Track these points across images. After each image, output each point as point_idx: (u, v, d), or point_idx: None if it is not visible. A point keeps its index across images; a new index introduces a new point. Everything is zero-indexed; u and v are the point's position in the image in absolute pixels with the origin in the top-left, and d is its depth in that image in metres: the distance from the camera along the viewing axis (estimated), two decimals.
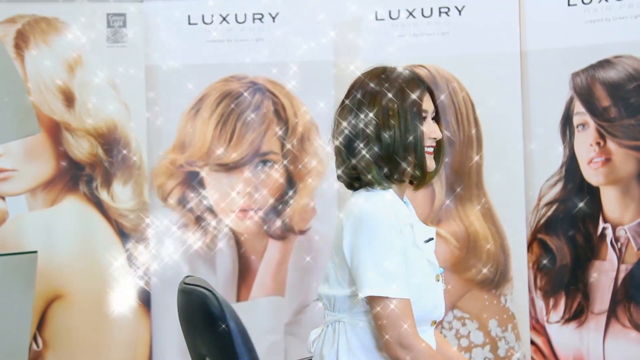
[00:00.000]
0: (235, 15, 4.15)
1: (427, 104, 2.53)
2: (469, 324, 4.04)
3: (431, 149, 2.52)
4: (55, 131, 4.08)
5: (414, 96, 2.52)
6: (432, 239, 2.58)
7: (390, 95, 2.53)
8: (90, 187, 4.10)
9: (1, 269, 3.33)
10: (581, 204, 3.97)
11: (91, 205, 4.11)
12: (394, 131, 2.50)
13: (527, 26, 4.04)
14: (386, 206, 2.51)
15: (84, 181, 4.10)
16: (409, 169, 2.52)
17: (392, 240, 2.47)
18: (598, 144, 3.91)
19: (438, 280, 2.53)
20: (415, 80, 2.55)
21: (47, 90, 4.05)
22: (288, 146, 4.07)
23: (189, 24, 4.16)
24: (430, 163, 2.53)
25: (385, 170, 2.53)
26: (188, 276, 2.64)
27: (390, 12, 4.10)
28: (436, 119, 2.56)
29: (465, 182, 4.06)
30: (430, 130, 2.52)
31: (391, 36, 4.10)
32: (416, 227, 2.55)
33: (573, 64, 3.96)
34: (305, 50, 4.05)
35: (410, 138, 2.49)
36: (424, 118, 2.51)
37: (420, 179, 2.58)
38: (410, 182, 2.61)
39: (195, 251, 4.14)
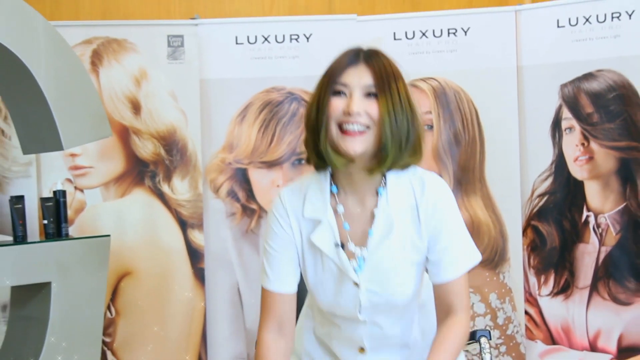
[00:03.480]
0: (275, 36, 4.12)
1: (351, 78, 2.04)
2: (472, 297, 3.99)
3: (355, 127, 2.00)
4: (124, 134, 4.06)
5: (330, 68, 2.09)
6: (342, 245, 2.11)
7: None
8: (153, 181, 4.08)
9: (80, 250, 3.46)
10: (568, 196, 3.94)
11: (155, 196, 4.09)
12: (310, 106, 2.10)
13: (523, 45, 4.00)
14: (283, 194, 2.19)
15: (148, 176, 4.08)
16: (323, 149, 2.03)
17: (271, 227, 2.19)
18: (583, 144, 3.87)
19: (357, 285, 2.10)
20: (345, 52, 2.10)
21: (117, 100, 4.04)
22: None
23: (236, 43, 4.13)
24: (346, 144, 2.00)
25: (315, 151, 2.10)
26: None
27: (406, 33, 4.07)
28: (378, 95, 2.02)
29: (470, 177, 4.02)
30: (342, 104, 2.02)
31: (407, 53, 4.06)
32: (325, 226, 2.12)
33: (562, 76, 3.93)
34: None
35: (316, 111, 2.06)
36: (339, 92, 2.03)
37: (343, 160, 2.03)
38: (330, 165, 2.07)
39: (242, 235, 4.11)
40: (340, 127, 2.01)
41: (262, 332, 2.20)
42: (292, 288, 2.19)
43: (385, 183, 2.10)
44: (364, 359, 2.20)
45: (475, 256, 2.16)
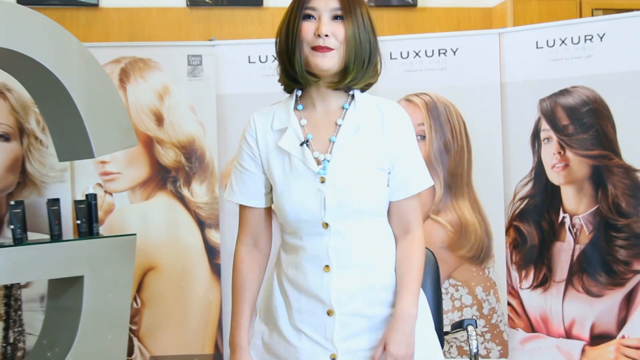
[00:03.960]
0: None
1: (318, 3, 2.02)
2: (460, 290, 4.02)
3: (324, 47, 2.00)
4: (149, 144, 4.07)
5: None
6: (306, 141, 2.05)
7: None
8: (175, 186, 4.09)
9: (110, 247, 3.48)
10: (546, 199, 3.95)
11: (176, 199, 4.09)
12: (280, 33, 2.09)
13: (505, 64, 4.00)
14: (254, 115, 2.17)
15: (170, 181, 4.09)
16: (297, 69, 2.03)
17: (241, 146, 2.16)
18: (559, 153, 3.90)
19: (323, 182, 2.03)
20: None
21: (143, 113, 4.05)
22: None
23: (249, 62, 4.13)
24: (317, 60, 2.00)
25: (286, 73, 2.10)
26: None
27: (401, 53, 4.07)
28: (344, 18, 2.01)
29: (458, 182, 4.02)
30: (312, 27, 2.01)
31: (402, 71, 4.06)
32: (290, 131, 2.07)
33: (540, 92, 3.94)
34: None
35: (286, 36, 2.05)
36: (309, 17, 2.02)
37: (314, 78, 2.04)
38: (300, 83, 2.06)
39: None
40: (312, 47, 2.02)
41: (238, 246, 2.21)
42: (259, 202, 2.16)
43: (352, 99, 2.09)
44: (330, 278, 2.05)
45: (428, 180, 2.14)
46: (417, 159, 2.13)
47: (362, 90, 2.12)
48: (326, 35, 1.99)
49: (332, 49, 2.00)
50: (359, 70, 2.03)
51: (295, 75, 2.05)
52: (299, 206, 2.04)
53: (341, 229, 2.04)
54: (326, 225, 2.04)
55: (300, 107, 2.11)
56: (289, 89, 2.15)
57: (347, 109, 2.07)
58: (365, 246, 2.07)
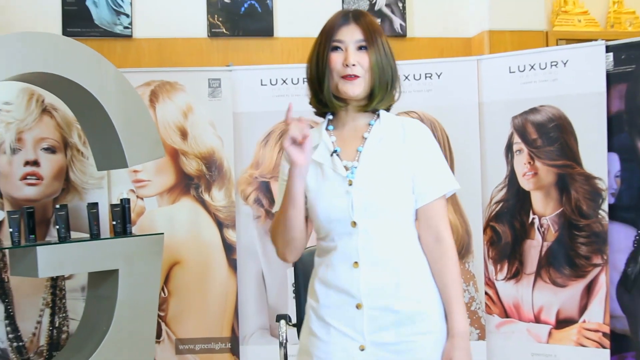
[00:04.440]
0: (291, 79, 4.13)
1: (345, 35, 2.04)
2: None
3: (352, 75, 2.01)
4: (175, 155, 4.12)
5: (326, 28, 2.08)
6: (335, 151, 2.04)
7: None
8: (197, 191, 4.13)
9: (141, 245, 3.57)
10: (518, 203, 3.99)
11: (198, 203, 4.13)
12: (310, 62, 2.09)
13: (483, 86, 4.05)
14: None
15: (193, 188, 4.13)
16: (326, 95, 2.04)
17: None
18: (529, 163, 3.95)
19: (351, 185, 2.02)
20: (335, 15, 2.11)
21: (169, 128, 4.12)
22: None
23: (261, 85, 4.18)
24: (347, 88, 2.02)
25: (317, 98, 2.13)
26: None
27: None
28: (368, 48, 2.03)
29: None
30: (340, 58, 2.02)
31: None
32: (321, 146, 2.07)
33: (513, 110, 4.00)
34: None
35: (316, 65, 2.05)
36: (336, 48, 2.04)
37: (340, 103, 2.06)
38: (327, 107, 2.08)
39: (265, 233, 4.09)
40: (341, 77, 2.04)
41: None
42: None
43: (378, 116, 2.11)
44: (359, 273, 2.02)
45: (452, 183, 2.14)
46: (438, 167, 2.13)
47: (387, 110, 2.15)
48: (353, 65, 2.02)
49: (358, 77, 2.03)
50: (383, 93, 2.07)
51: (324, 99, 2.08)
52: (329, 207, 2.04)
53: (368, 227, 2.03)
54: (354, 224, 2.02)
55: (331, 127, 2.13)
56: (319, 112, 2.18)
57: (373, 125, 2.10)
58: (389, 244, 2.05)
